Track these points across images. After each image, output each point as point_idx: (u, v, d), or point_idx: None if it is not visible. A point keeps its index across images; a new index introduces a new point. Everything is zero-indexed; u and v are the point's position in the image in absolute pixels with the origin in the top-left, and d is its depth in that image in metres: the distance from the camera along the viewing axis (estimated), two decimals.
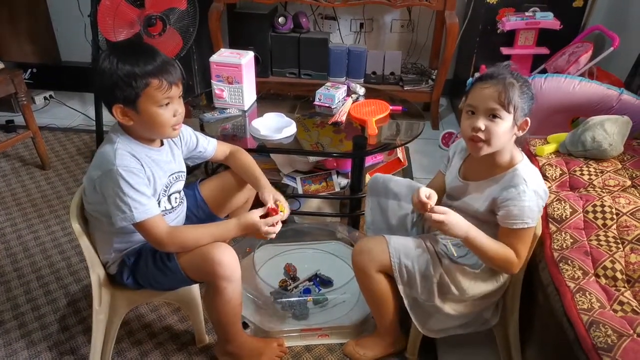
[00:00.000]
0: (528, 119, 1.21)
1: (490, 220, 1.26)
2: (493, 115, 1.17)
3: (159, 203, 1.30)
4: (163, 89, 1.17)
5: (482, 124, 1.18)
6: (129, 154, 1.20)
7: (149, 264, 1.30)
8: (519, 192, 1.19)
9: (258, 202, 1.44)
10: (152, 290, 1.39)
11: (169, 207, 1.35)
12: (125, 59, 1.15)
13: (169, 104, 1.21)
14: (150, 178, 1.25)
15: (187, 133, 1.43)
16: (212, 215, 1.53)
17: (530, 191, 1.19)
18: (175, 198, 1.38)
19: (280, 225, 1.33)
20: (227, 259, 1.26)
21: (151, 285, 1.34)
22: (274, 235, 1.32)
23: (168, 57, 1.21)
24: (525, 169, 1.22)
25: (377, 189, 1.56)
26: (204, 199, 1.52)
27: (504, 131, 1.18)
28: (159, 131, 1.25)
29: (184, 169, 1.41)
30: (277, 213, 1.33)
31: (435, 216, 1.18)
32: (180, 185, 1.39)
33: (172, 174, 1.34)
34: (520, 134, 1.22)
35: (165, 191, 1.32)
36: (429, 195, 1.22)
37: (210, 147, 1.49)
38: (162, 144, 1.33)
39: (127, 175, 1.17)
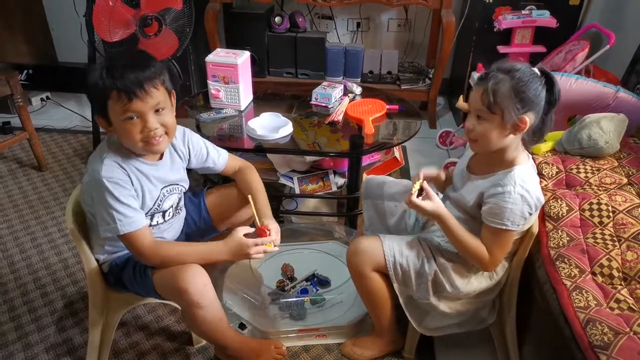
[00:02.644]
0: (525, 118, 1.14)
1: (478, 216, 1.25)
2: (479, 116, 1.18)
3: (152, 218, 1.29)
4: (122, 102, 1.10)
5: (470, 124, 1.20)
6: (117, 165, 1.18)
7: (130, 272, 1.30)
8: (504, 192, 1.17)
9: None
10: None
11: (161, 221, 1.33)
12: (102, 70, 1.10)
13: (134, 118, 1.13)
14: (139, 190, 1.22)
15: (198, 145, 1.38)
16: (213, 228, 1.51)
17: (517, 195, 1.16)
18: (170, 213, 1.35)
19: (268, 250, 1.29)
20: (194, 287, 1.19)
21: (135, 292, 1.34)
22: (261, 257, 1.29)
23: (140, 64, 1.13)
24: (521, 172, 1.19)
25: (372, 191, 1.56)
26: (208, 211, 1.49)
27: (489, 132, 1.17)
28: (131, 145, 1.19)
29: (184, 183, 1.37)
30: (266, 235, 1.29)
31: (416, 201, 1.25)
32: (175, 198, 1.35)
33: (165, 187, 1.30)
34: (519, 134, 1.17)
35: (158, 206, 1.29)
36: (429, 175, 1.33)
37: (221, 160, 1.44)
38: (161, 157, 1.29)
39: (112, 186, 1.15)
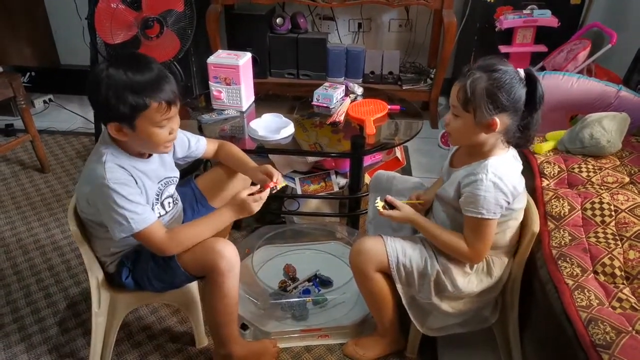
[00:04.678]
0: (496, 119, 1.14)
1: (460, 208, 1.26)
2: (454, 113, 1.21)
3: (152, 210, 1.30)
4: (162, 110, 1.16)
5: (447, 117, 1.24)
6: (118, 166, 1.20)
7: (149, 262, 1.31)
8: (476, 180, 1.19)
9: None
10: (150, 292, 1.38)
11: (162, 212, 1.36)
12: (125, 81, 1.12)
13: (165, 125, 1.20)
14: (142, 188, 1.25)
15: (179, 136, 1.42)
16: (212, 209, 1.54)
17: (489, 182, 1.17)
18: (169, 203, 1.39)
19: (267, 193, 1.34)
20: (228, 252, 1.28)
21: (151, 284, 1.34)
22: (260, 204, 1.33)
23: (167, 75, 1.19)
24: (495, 161, 1.20)
25: (381, 185, 1.58)
26: (201, 193, 1.53)
27: (461, 128, 1.20)
28: (152, 148, 1.26)
29: (176, 174, 1.41)
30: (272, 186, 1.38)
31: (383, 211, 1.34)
32: (172, 189, 1.40)
33: (161, 181, 1.34)
34: (492, 134, 1.17)
35: (157, 199, 1.33)
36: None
37: (201, 144, 1.50)
38: (150, 154, 1.32)
39: (119, 187, 1.17)
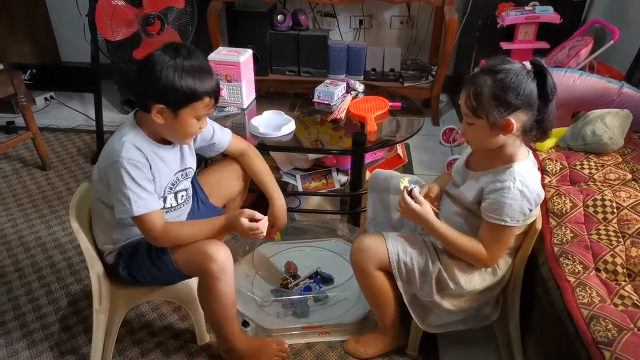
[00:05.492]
0: (511, 119, 1.12)
1: (477, 211, 1.25)
2: (467, 121, 1.19)
3: (165, 199, 1.32)
4: (209, 105, 1.23)
5: (462, 127, 1.23)
6: (136, 148, 1.21)
7: (144, 258, 1.31)
8: (504, 187, 1.17)
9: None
10: (149, 286, 1.39)
11: (174, 204, 1.37)
12: (189, 71, 1.17)
13: (203, 118, 1.25)
14: (156, 174, 1.26)
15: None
16: (212, 207, 1.53)
17: (516, 190, 1.16)
18: (182, 196, 1.39)
19: (265, 228, 1.30)
20: (221, 256, 1.27)
21: (145, 279, 1.35)
22: (254, 235, 1.31)
23: (213, 71, 1.24)
24: (521, 168, 1.19)
25: (379, 185, 1.57)
26: (203, 190, 1.53)
27: (478, 134, 1.19)
28: (180, 138, 1.29)
29: (193, 165, 1.41)
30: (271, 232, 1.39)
31: (406, 202, 1.27)
32: (187, 183, 1.41)
33: (179, 171, 1.35)
34: (507, 136, 1.16)
35: (171, 188, 1.34)
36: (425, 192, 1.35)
37: (226, 138, 1.49)
38: (171, 143, 1.33)
39: (131, 168, 1.19)
